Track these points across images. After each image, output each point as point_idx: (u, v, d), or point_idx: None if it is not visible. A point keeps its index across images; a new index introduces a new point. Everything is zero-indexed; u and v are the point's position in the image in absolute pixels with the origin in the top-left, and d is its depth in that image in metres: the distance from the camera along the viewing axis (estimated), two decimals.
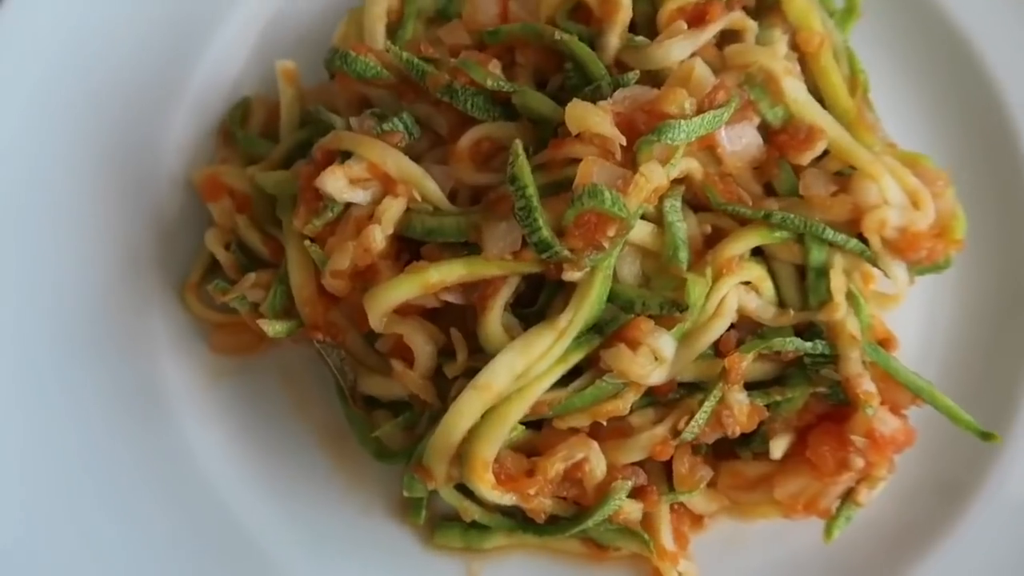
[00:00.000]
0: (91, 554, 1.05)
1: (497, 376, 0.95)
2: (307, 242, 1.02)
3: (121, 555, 1.05)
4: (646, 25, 1.10)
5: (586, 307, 0.98)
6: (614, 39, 1.06)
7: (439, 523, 1.11)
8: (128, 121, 1.21)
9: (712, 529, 1.12)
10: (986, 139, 1.24)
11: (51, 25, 1.19)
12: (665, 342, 0.99)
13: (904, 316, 1.13)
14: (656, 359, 0.99)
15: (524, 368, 0.96)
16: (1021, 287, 1.17)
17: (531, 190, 0.94)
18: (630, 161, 0.98)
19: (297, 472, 1.14)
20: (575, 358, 0.99)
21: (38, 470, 1.07)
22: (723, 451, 1.09)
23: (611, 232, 0.95)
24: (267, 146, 1.19)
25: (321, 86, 1.22)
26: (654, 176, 0.96)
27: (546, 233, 0.95)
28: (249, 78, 1.25)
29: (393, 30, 1.21)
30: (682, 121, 0.95)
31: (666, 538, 1.06)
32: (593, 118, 0.95)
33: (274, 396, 1.17)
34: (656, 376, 0.99)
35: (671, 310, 0.99)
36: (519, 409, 0.97)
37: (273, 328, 1.05)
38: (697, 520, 1.11)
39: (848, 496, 1.04)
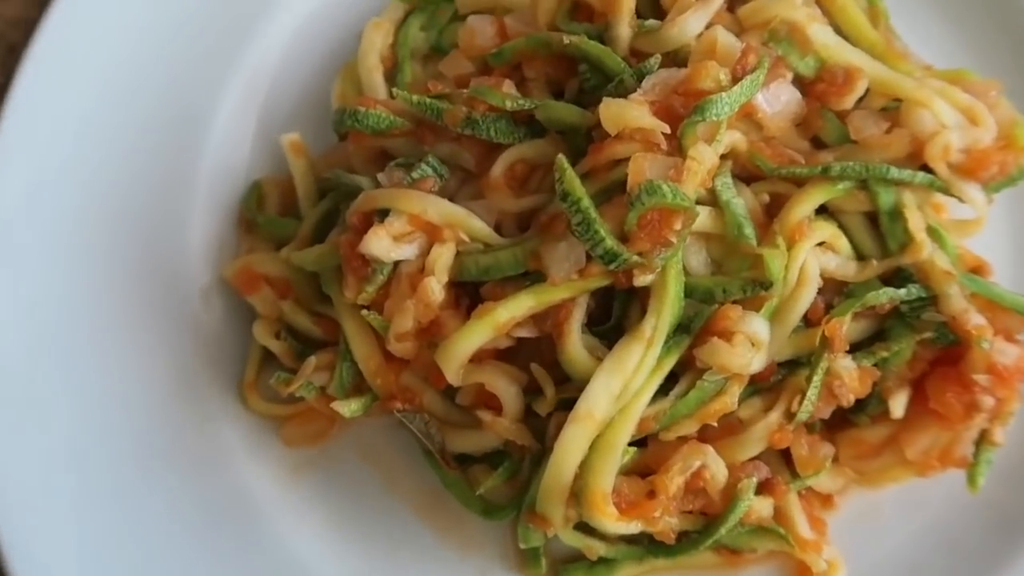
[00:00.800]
0: None
1: (597, 402, 0.90)
2: (364, 311, 0.97)
3: None
4: (651, 8, 1.05)
5: (667, 308, 0.93)
6: (624, 29, 1.01)
7: (561, 568, 1.05)
8: (147, 233, 1.17)
9: (843, 507, 1.06)
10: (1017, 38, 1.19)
11: (52, 151, 1.15)
12: (759, 325, 0.93)
13: (988, 239, 1.07)
14: (753, 345, 0.93)
15: (621, 387, 0.91)
16: None
17: (586, 202, 0.90)
18: (676, 148, 0.93)
19: (403, 549, 1.09)
20: (669, 364, 0.93)
21: None
22: (837, 423, 1.04)
23: (677, 225, 0.90)
24: (291, 225, 1.15)
25: (330, 151, 1.18)
26: (705, 157, 0.91)
27: (611, 243, 0.90)
28: (258, 161, 1.21)
29: (390, 77, 1.17)
30: (722, 94, 0.91)
31: (803, 528, 1.00)
32: (631, 113, 0.91)
33: (361, 476, 1.12)
34: (757, 363, 0.94)
35: (755, 290, 0.94)
36: (626, 431, 0.91)
37: (349, 408, 1.00)
38: (827, 500, 1.05)
39: (983, 439, 0.98)
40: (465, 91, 1.02)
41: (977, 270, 1.01)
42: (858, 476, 1.05)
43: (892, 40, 1.09)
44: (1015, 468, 1.03)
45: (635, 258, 0.90)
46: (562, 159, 0.91)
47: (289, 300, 1.09)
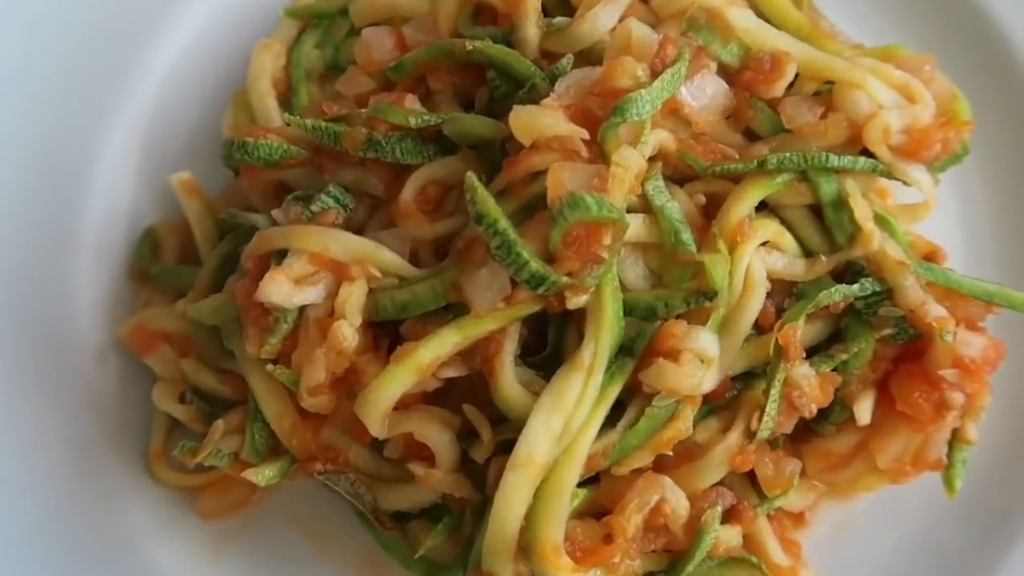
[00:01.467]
0: None
1: (537, 445, 0.81)
2: (269, 366, 0.86)
3: None
4: (558, 6, 0.97)
5: (605, 331, 0.84)
6: (531, 30, 0.93)
7: None
8: (28, 295, 1.05)
9: (816, 524, 0.99)
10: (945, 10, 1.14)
11: None
12: (707, 340, 0.85)
13: (937, 223, 1.01)
14: (703, 362, 0.85)
15: (563, 425, 0.82)
16: None
17: (503, 223, 0.80)
18: (598, 155, 0.84)
19: None
20: (614, 392, 0.85)
21: None
22: (801, 435, 0.96)
23: (607, 239, 0.81)
24: (190, 273, 1.04)
25: (228, 188, 1.08)
26: (631, 161, 0.83)
27: (535, 265, 0.81)
28: (149, 205, 1.10)
29: (285, 101, 1.07)
30: (642, 91, 0.83)
31: (777, 553, 0.92)
32: (544, 120, 0.82)
33: (290, 544, 1.01)
34: (709, 381, 0.86)
35: (699, 301, 0.86)
36: (572, 473, 0.82)
37: (263, 476, 0.89)
38: (799, 519, 0.98)
39: (956, 438, 0.91)
40: (364, 111, 0.92)
41: (931, 256, 0.95)
42: (829, 489, 0.97)
43: (818, 20, 1.02)
44: (992, 464, 0.97)
45: (564, 279, 0.82)
46: (471, 177, 0.82)
47: (191, 358, 0.98)
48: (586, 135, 0.83)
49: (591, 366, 0.83)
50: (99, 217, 1.08)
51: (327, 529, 1.01)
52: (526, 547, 0.82)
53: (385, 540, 0.94)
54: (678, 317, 0.86)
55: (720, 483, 0.90)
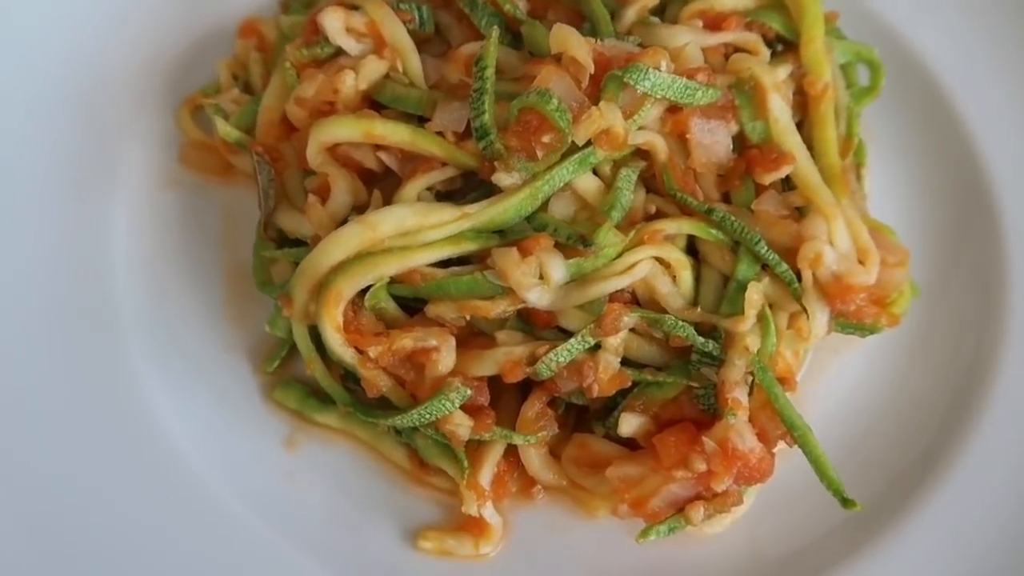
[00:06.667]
0: None
1: (384, 220, 0.97)
2: (287, 65, 1.09)
3: None
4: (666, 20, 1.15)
5: (500, 207, 0.99)
6: (631, 13, 1.12)
7: (286, 381, 1.09)
8: None
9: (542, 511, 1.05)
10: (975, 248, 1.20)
11: None
12: (556, 264, 0.97)
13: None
14: (541, 277, 0.97)
15: (414, 227, 0.97)
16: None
17: (490, 71, 0.99)
18: (595, 99, 1.01)
19: (193, 300, 1.16)
20: (468, 246, 0.99)
21: None
22: (578, 427, 1.04)
23: (546, 139, 0.97)
24: None
25: None
26: (609, 115, 0.98)
27: (488, 119, 0.98)
28: None
29: None
30: (651, 69, 0.98)
31: (485, 475, 1.00)
32: (572, 40, 1.00)
33: (207, 230, 1.20)
34: (535, 295, 0.97)
35: (576, 242, 0.99)
36: (393, 264, 0.97)
37: (226, 130, 1.11)
38: (528, 484, 1.04)
39: (682, 509, 0.96)
40: None
41: (782, 377, 1.01)
42: (568, 486, 1.04)
43: (851, 176, 1.13)
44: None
45: (499, 146, 0.98)
46: (496, 30, 1.01)
47: (260, 54, 1.23)
48: (592, 69, 0.99)
49: (468, 215, 0.98)
50: None
51: (238, 232, 1.19)
52: (321, 289, 0.97)
53: (257, 243, 1.11)
54: (557, 243, 0.99)
55: (493, 391, 1.00)
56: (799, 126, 1.10)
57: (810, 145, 1.10)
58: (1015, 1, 1.32)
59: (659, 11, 1.16)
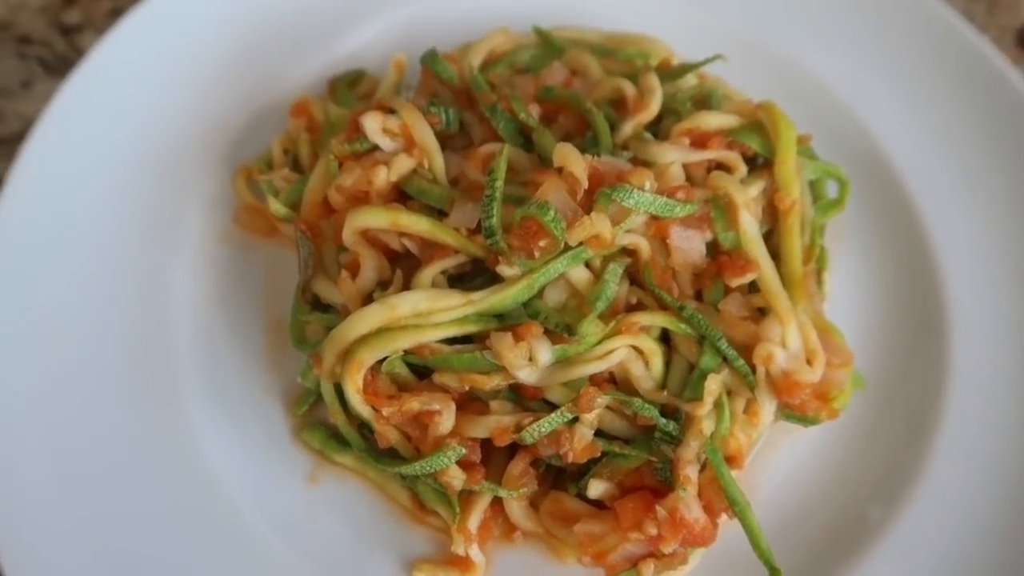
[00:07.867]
0: None
1: (402, 303, 1.15)
2: (331, 156, 1.28)
3: None
4: (659, 135, 1.33)
5: (501, 296, 1.17)
6: (629, 128, 1.29)
7: (312, 424, 1.29)
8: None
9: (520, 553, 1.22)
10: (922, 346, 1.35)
11: None
12: (544, 349, 1.15)
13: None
14: (531, 359, 1.15)
15: (427, 310, 1.15)
16: None
17: (499, 183, 1.17)
18: (588, 208, 1.18)
19: (238, 346, 1.35)
20: (471, 327, 1.17)
21: None
22: (557, 487, 1.22)
23: (543, 243, 1.15)
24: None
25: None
26: (598, 224, 1.16)
27: (495, 222, 1.16)
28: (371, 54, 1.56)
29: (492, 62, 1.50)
30: (636, 190, 1.16)
31: (473, 520, 1.18)
32: (572, 158, 1.18)
33: (253, 283, 1.39)
34: (525, 373, 1.15)
35: (562, 331, 1.16)
36: (407, 339, 1.15)
37: (276, 207, 1.30)
38: (510, 530, 1.22)
39: (635, 565, 1.13)
40: (507, 90, 1.33)
41: (729, 459, 1.18)
42: (545, 535, 1.22)
43: (811, 281, 1.29)
44: None
45: (503, 244, 1.16)
46: (507, 147, 1.19)
47: (310, 135, 1.42)
48: (586, 186, 1.17)
49: (473, 302, 1.15)
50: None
51: (280, 289, 1.39)
52: (346, 356, 1.16)
53: (295, 305, 1.30)
54: (546, 330, 1.17)
55: (485, 451, 1.18)
56: (768, 234, 1.28)
57: (777, 252, 1.27)
58: (980, 119, 1.47)
59: (656, 121, 1.34)
